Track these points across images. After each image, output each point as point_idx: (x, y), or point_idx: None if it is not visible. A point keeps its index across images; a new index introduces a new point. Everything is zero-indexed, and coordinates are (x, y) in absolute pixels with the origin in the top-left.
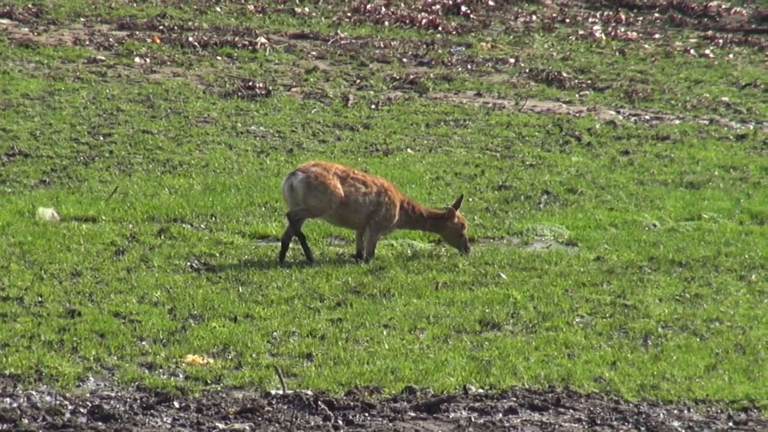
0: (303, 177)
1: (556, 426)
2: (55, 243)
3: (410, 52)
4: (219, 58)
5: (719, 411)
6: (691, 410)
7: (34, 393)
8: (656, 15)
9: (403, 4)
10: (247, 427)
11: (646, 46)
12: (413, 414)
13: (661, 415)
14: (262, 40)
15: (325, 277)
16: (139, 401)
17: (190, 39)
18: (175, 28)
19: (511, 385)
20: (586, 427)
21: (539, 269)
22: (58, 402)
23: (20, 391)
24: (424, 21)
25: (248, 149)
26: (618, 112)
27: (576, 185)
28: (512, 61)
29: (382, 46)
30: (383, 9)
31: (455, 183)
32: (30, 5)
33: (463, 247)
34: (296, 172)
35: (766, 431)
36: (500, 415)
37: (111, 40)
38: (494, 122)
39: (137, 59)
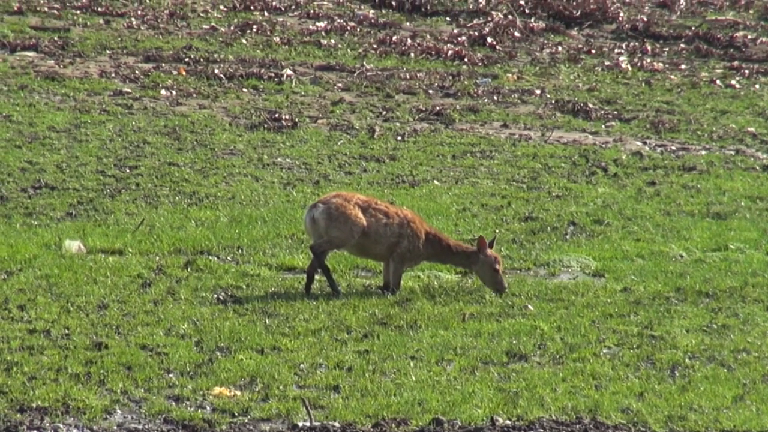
0: (324, 208)
1: None
2: (82, 276)
3: (436, 84)
4: (245, 90)
5: None
6: None
7: (61, 426)
8: (682, 46)
9: (429, 36)
10: None
11: (672, 76)
12: None
13: None
14: (288, 72)
15: (352, 308)
16: None
17: (216, 71)
18: (201, 60)
19: (539, 416)
20: None
21: (566, 300)
22: None
23: (48, 424)
24: (450, 52)
25: (274, 181)
26: (644, 143)
27: (602, 216)
28: (538, 92)
29: (408, 77)
30: (409, 41)
31: (482, 214)
32: (56, 38)
33: (498, 285)
34: (317, 204)
35: None
36: None
37: (137, 72)
38: (520, 153)
39: (163, 91)
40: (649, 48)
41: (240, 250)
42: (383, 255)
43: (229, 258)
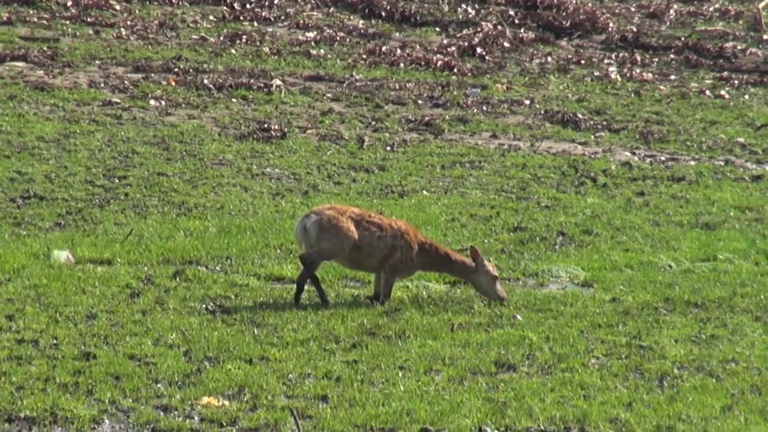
0: (316, 219)
1: None
2: (70, 285)
3: (425, 94)
4: (234, 100)
5: None
6: None
7: None
8: (672, 56)
9: (418, 46)
10: None
11: (661, 87)
12: None
13: None
14: (278, 82)
15: (341, 318)
16: None
17: (206, 81)
18: (191, 70)
19: (527, 426)
20: None
21: (555, 310)
22: None
23: None
24: (439, 63)
25: (263, 191)
26: (633, 154)
27: (591, 226)
28: (527, 102)
29: (397, 88)
30: (398, 51)
31: (471, 224)
32: (45, 48)
33: (498, 296)
34: (310, 215)
35: None
36: None
37: (126, 82)
38: (509, 164)
39: (152, 102)
40: (638, 58)
41: (229, 260)
42: (376, 267)
43: (217, 268)
